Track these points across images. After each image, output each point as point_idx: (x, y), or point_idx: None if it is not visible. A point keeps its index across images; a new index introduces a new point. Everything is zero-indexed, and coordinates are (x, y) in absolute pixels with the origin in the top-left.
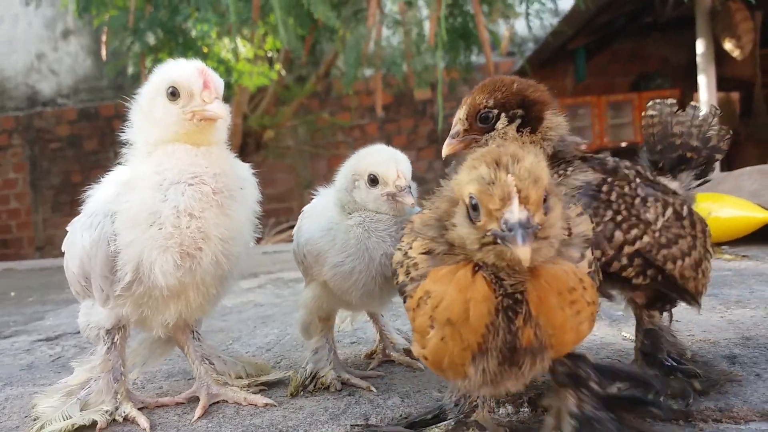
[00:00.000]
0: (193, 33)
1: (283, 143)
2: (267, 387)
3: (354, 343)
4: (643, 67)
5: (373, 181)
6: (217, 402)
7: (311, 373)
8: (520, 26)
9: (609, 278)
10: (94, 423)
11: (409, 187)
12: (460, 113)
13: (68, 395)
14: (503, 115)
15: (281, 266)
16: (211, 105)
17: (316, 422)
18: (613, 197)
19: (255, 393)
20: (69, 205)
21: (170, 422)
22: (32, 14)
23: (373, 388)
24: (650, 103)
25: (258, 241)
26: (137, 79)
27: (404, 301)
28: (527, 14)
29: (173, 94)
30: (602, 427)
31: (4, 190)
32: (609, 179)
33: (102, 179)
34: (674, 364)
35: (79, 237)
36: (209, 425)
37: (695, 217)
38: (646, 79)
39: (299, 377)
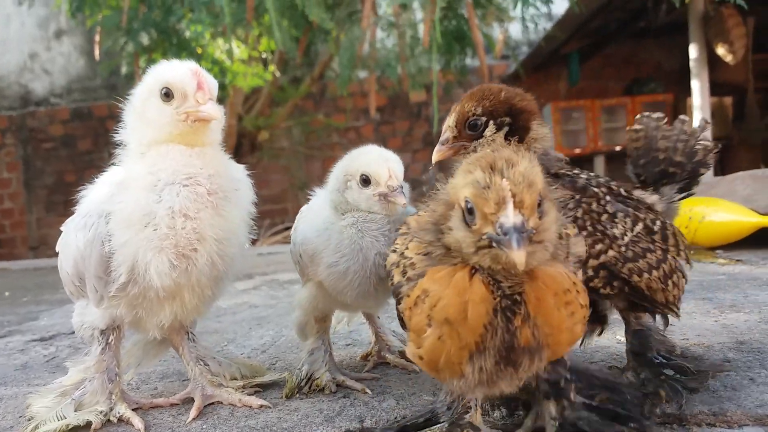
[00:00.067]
0: (187, 34)
1: (278, 144)
2: (262, 388)
3: (349, 345)
4: (636, 71)
5: (365, 181)
6: (212, 403)
7: (307, 374)
8: (514, 30)
9: None
10: (89, 423)
11: (401, 187)
12: (450, 120)
13: (63, 395)
14: (491, 122)
15: (276, 268)
16: (205, 106)
17: (310, 424)
18: (579, 214)
19: (250, 394)
20: (63, 204)
21: (165, 423)
22: (25, 14)
23: (368, 390)
24: (638, 116)
25: (253, 242)
26: (131, 79)
27: (398, 303)
28: (523, 18)
29: (167, 95)
30: (585, 423)
31: None
32: (577, 196)
33: (96, 179)
34: (664, 360)
35: (73, 237)
36: (204, 426)
37: (669, 231)
38: (639, 83)
39: (294, 379)
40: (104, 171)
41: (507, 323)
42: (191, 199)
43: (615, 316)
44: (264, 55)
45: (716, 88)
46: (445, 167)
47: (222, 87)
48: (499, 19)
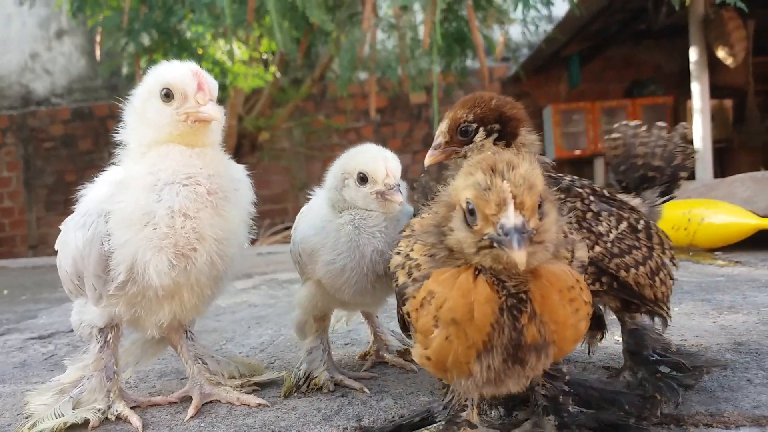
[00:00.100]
0: (188, 34)
1: (278, 145)
2: (260, 387)
3: (348, 344)
4: (636, 74)
5: (363, 179)
6: (210, 402)
7: (305, 373)
8: (514, 32)
9: None
10: (87, 421)
11: (398, 185)
12: (442, 126)
13: (61, 393)
14: (481, 129)
15: (276, 267)
16: (205, 107)
17: (308, 423)
18: (564, 212)
19: (248, 393)
20: (62, 204)
21: (163, 421)
22: (26, 14)
23: (366, 390)
24: (615, 125)
25: (252, 242)
26: (131, 80)
27: (402, 305)
28: (523, 20)
29: (167, 95)
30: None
31: None
32: (561, 196)
33: (95, 179)
34: (659, 358)
35: (72, 236)
36: (202, 425)
37: (653, 230)
38: (639, 86)
39: (293, 378)
40: (104, 171)
41: (513, 321)
42: (191, 199)
43: (612, 317)
44: (265, 56)
45: (716, 90)
46: (438, 174)
47: (223, 88)
48: (499, 21)
